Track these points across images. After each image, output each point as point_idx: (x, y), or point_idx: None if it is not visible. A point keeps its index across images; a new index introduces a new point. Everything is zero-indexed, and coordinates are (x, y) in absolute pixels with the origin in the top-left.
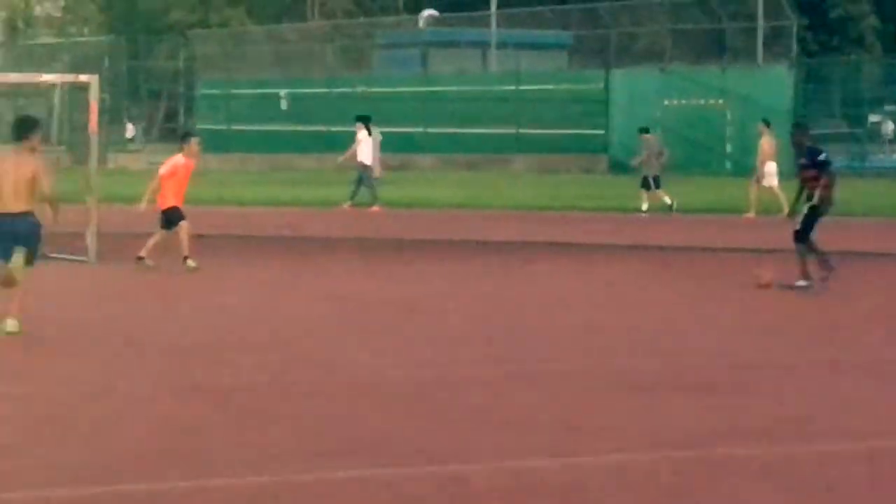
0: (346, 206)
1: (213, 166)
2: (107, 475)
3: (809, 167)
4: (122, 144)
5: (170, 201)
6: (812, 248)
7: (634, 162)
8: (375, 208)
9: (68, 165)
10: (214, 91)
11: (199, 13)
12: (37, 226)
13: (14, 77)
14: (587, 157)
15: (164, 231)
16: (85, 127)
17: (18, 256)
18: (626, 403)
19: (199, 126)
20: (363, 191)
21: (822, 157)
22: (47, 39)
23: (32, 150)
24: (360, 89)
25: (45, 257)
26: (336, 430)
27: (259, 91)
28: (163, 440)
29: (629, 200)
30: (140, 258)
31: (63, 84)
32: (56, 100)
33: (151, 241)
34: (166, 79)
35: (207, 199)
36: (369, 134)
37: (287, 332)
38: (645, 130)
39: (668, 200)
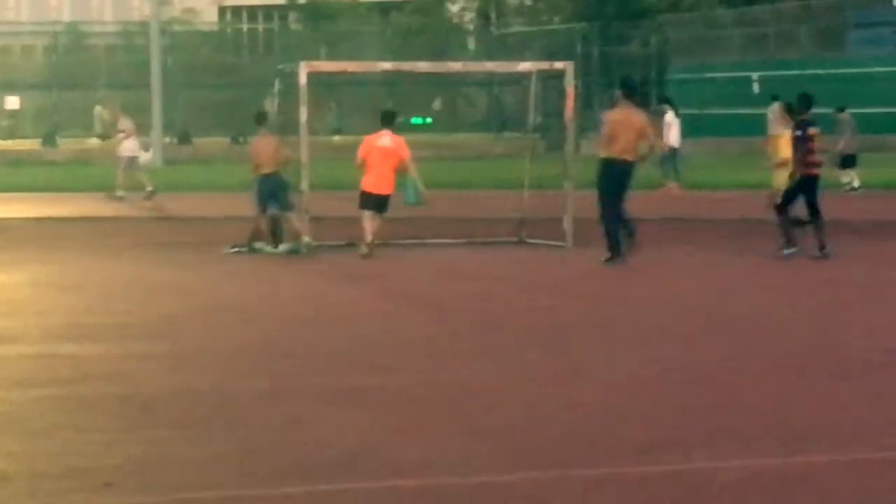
0: (672, 186)
1: (688, 150)
2: (605, 456)
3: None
4: (594, 130)
5: None
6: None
7: (840, 145)
8: (672, 187)
9: (542, 152)
10: (686, 75)
11: None
12: (281, 182)
13: (489, 65)
14: None
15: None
16: (559, 114)
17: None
18: None
19: None
20: (666, 170)
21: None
22: (519, 28)
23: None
24: None
25: (523, 242)
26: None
27: (731, 74)
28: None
29: None
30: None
31: (537, 71)
32: (531, 87)
33: None
34: (638, 64)
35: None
36: (676, 115)
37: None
38: (841, 110)
39: (846, 179)
